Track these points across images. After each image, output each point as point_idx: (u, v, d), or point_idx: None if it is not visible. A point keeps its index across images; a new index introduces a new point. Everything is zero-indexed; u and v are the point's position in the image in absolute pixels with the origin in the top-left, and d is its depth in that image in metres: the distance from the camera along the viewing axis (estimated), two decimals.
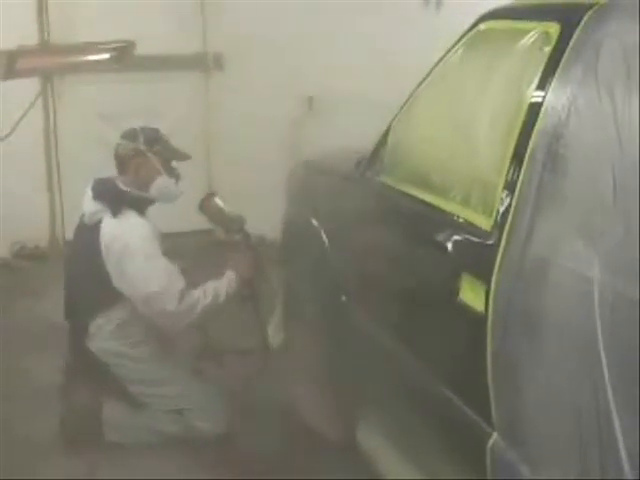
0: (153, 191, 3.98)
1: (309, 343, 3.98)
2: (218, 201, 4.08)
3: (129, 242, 3.80)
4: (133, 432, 3.90)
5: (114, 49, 6.22)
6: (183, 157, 4.13)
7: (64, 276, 4.11)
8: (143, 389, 3.92)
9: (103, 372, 3.90)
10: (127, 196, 3.93)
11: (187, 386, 3.96)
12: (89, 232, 3.90)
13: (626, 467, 1.91)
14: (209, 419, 3.91)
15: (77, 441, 3.87)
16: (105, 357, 3.89)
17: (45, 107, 6.70)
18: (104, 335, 3.89)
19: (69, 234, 6.54)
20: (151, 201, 4.02)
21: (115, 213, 3.86)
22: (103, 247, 3.83)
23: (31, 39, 6.51)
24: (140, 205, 3.96)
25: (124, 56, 6.16)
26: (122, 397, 3.92)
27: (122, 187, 3.96)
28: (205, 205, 4.08)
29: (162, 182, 3.99)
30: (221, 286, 3.87)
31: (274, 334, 4.33)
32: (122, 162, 4.01)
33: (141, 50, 6.20)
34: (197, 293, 3.81)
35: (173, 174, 4.04)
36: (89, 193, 3.97)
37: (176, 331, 3.91)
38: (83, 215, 4.01)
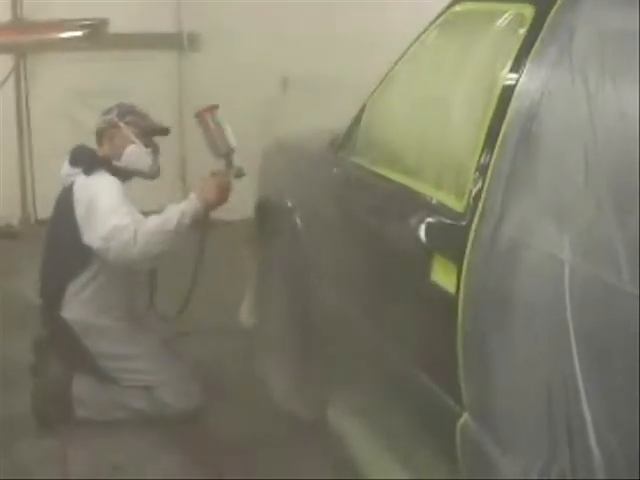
0: (125, 159, 3.98)
1: (281, 323, 3.98)
2: (219, 116, 3.83)
3: (97, 190, 3.81)
4: (101, 408, 3.90)
5: (87, 27, 6.19)
6: (161, 131, 4.15)
7: (42, 250, 4.08)
8: (113, 364, 3.91)
9: (74, 345, 3.89)
10: (102, 160, 3.96)
11: (157, 363, 3.97)
12: (62, 196, 3.94)
13: (594, 448, 1.92)
14: (178, 397, 3.92)
15: (48, 418, 3.87)
16: (77, 329, 3.88)
17: (17, 84, 6.66)
18: (78, 304, 3.89)
19: (41, 212, 6.61)
20: (127, 172, 4.00)
21: (88, 173, 3.88)
22: (75, 202, 3.84)
23: (3, 16, 6.46)
24: (117, 174, 3.95)
25: (97, 34, 6.14)
26: (91, 372, 3.92)
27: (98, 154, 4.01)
28: (203, 115, 3.83)
29: (133, 150, 3.99)
30: (173, 211, 3.77)
31: (246, 314, 4.33)
32: (98, 136, 4.07)
33: (115, 28, 6.18)
34: (142, 223, 3.73)
35: (149, 144, 4.04)
36: (66, 162, 4.00)
37: (134, 264, 3.82)
38: (61, 187, 4.01)
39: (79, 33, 6.26)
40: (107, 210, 3.75)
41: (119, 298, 3.97)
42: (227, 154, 3.85)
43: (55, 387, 3.91)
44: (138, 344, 3.98)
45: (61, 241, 3.93)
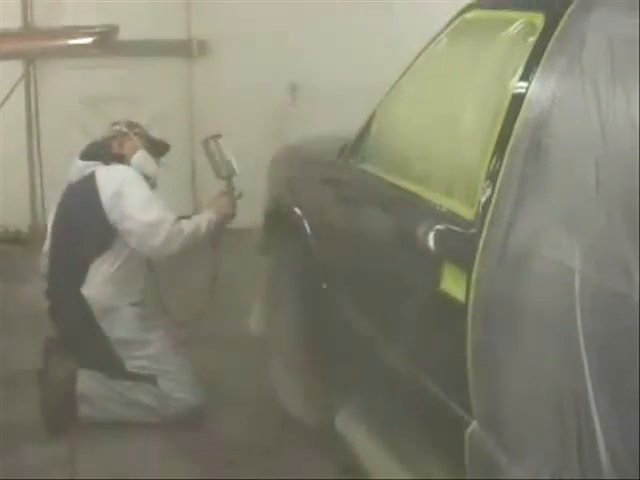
0: (134, 162, 4.16)
1: (290, 330, 3.98)
2: (221, 143, 4.18)
3: (124, 178, 4.03)
4: (107, 405, 3.94)
5: (97, 34, 6.21)
6: (163, 146, 4.39)
7: (49, 245, 4.15)
8: (124, 349, 3.96)
9: (90, 326, 3.93)
10: (116, 155, 4.18)
11: (166, 353, 4.02)
12: (81, 184, 4.07)
13: (604, 456, 1.91)
14: (186, 391, 3.96)
15: (55, 420, 3.89)
16: (95, 309, 3.94)
17: (27, 91, 6.67)
18: (99, 282, 3.97)
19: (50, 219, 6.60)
20: None
21: (107, 162, 4.10)
22: (99, 186, 3.99)
23: (14, 22, 6.48)
24: None
25: (107, 41, 6.15)
26: (99, 364, 3.96)
27: None
28: (208, 142, 4.19)
29: (141, 155, 4.20)
30: (201, 219, 4.06)
31: (256, 321, 4.33)
32: (108, 143, 4.25)
33: (124, 35, 6.19)
34: (182, 224, 3.99)
35: (154, 153, 4.27)
36: (77, 159, 4.16)
37: (161, 260, 4.09)
38: (70, 181, 4.15)
39: (89, 40, 6.28)
40: (143, 201, 3.96)
41: (136, 284, 4.09)
42: (228, 176, 4.17)
43: (61, 386, 3.93)
44: (150, 331, 4.05)
45: (81, 226, 4.03)
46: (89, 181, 4.02)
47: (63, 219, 4.14)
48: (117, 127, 4.28)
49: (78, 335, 3.99)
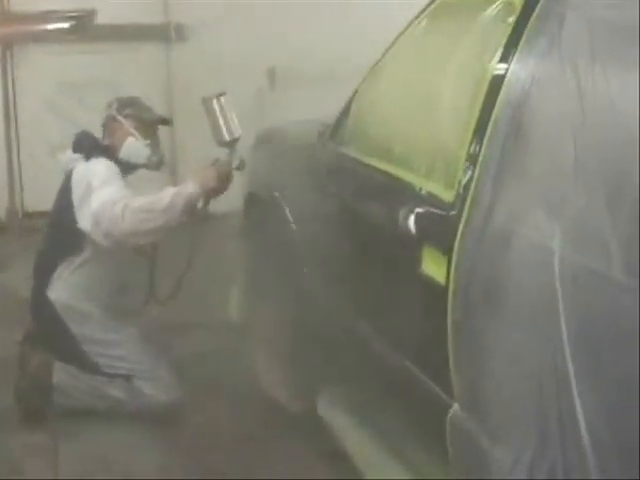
0: (123, 152, 4.02)
1: (270, 316, 3.97)
2: (224, 104, 3.71)
3: (94, 173, 3.85)
4: (80, 396, 3.91)
5: (74, 18, 6.17)
6: (161, 121, 4.23)
7: (42, 237, 4.12)
8: (94, 348, 3.92)
9: (58, 327, 3.90)
10: (104, 148, 4.02)
11: (138, 352, 3.98)
12: (64, 181, 3.98)
13: (585, 437, 1.91)
14: (157, 388, 3.93)
15: (31, 409, 3.89)
16: (61, 310, 3.90)
17: (4, 76, 6.62)
18: (64, 286, 3.92)
19: (29, 205, 6.57)
20: (129, 165, 4.04)
21: (88, 158, 3.93)
22: (72, 187, 3.88)
23: None
24: (119, 165, 3.97)
25: (84, 25, 6.11)
26: (73, 357, 3.92)
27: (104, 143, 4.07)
28: (210, 101, 3.71)
29: (130, 143, 4.03)
30: (170, 191, 3.73)
31: (235, 308, 4.32)
32: (103, 129, 4.12)
33: (102, 19, 6.16)
34: (134, 200, 3.71)
35: (149, 136, 4.07)
36: (70, 150, 4.03)
37: (122, 241, 3.75)
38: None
39: (66, 25, 6.24)
40: (98, 189, 3.77)
41: (106, 286, 4.00)
42: (231, 143, 3.78)
43: (37, 376, 3.91)
44: (120, 332, 3.99)
45: (58, 224, 3.97)
46: (68, 179, 3.93)
47: (50, 216, 4.10)
48: (108, 111, 4.09)
49: (49, 335, 3.96)
